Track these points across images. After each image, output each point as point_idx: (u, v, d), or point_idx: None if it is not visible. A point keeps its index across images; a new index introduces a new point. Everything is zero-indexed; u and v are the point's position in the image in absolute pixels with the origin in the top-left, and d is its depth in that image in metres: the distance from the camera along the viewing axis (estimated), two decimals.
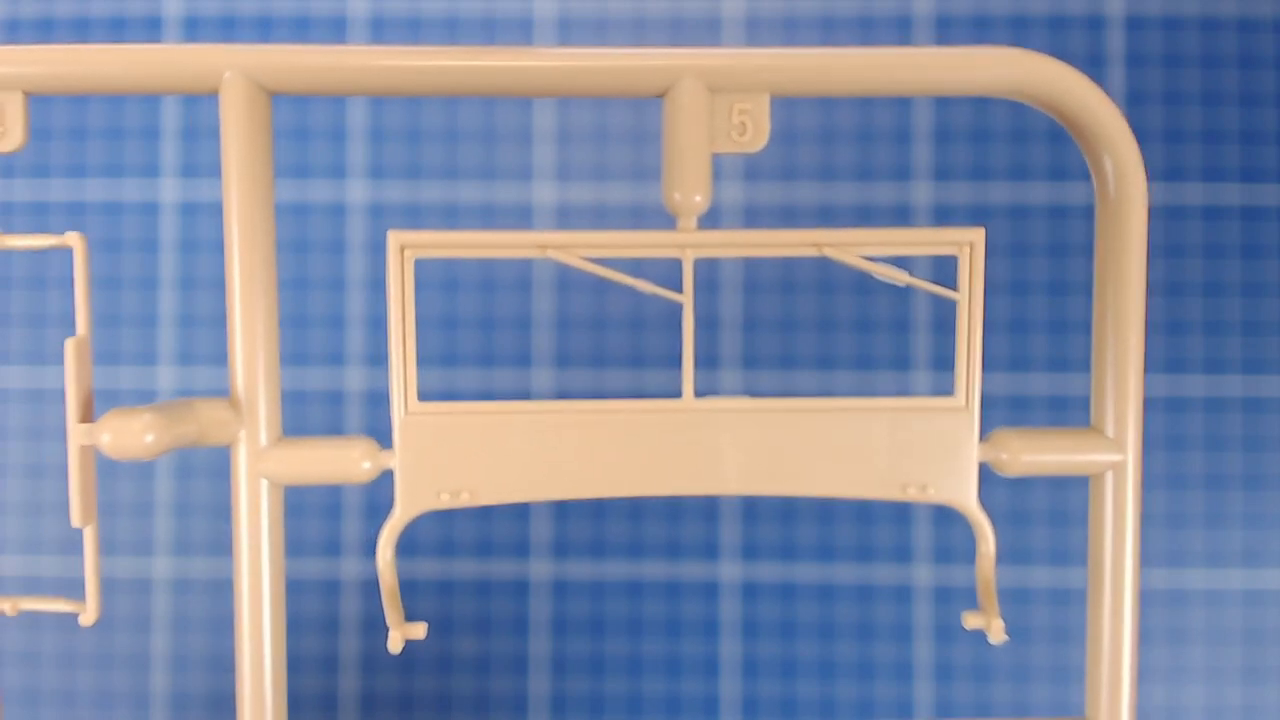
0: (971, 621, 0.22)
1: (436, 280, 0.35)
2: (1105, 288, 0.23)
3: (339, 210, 0.35)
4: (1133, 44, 0.35)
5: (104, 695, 0.35)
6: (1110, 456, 0.22)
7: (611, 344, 0.35)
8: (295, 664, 0.35)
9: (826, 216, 0.35)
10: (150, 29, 0.35)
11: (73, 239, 0.22)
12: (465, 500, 0.22)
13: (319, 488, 0.35)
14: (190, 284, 0.35)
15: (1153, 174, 0.36)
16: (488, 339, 0.35)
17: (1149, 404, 0.35)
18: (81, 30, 0.35)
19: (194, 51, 0.22)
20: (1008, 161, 0.35)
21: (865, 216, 0.35)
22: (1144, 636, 0.35)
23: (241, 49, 0.22)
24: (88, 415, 0.22)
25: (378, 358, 0.35)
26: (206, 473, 0.36)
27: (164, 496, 0.35)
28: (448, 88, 0.22)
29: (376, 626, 0.35)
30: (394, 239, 0.23)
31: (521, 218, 0.35)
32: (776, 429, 0.22)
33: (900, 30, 0.35)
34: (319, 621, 0.35)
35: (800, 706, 0.35)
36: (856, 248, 0.22)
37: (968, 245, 0.23)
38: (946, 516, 0.33)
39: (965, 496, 0.22)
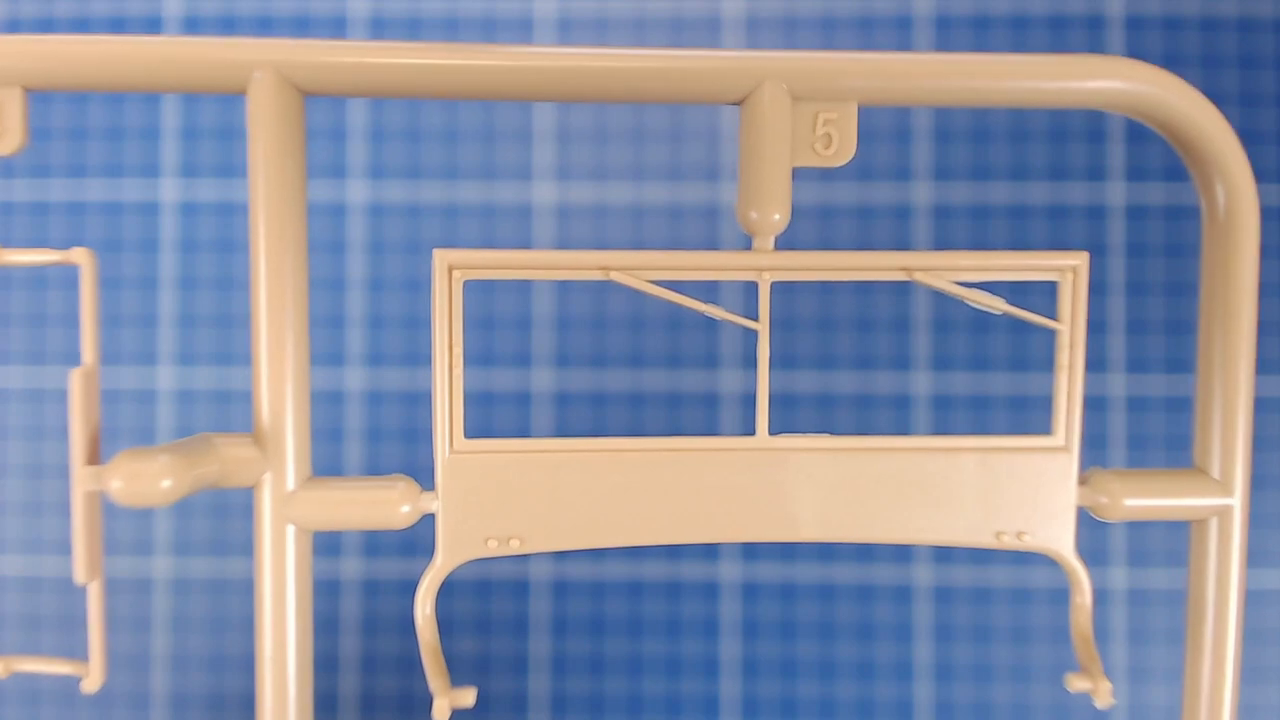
0: (1077, 684, 0.21)
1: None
2: (1212, 319, 0.21)
3: (339, 210, 0.35)
4: (1133, 44, 0.35)
5: (104, 695, 0.35)
6: (1217, 501, 0.21)
7: (611, 344, 0.35)
8: None
9: (825, 216, 0.35)
10: (150, 29, 0.35)
11: (80, 255, 0.19)
12: (515, 548, 0.20)
13: None
14: (190, 284, 0.35)
15: (1153, 174, 0.36)
16: (488, 339, 0.35)
17: (1148, 404, 0.35)
18: (81, 30, 0.35)
19: (219, 46, 0.19)
20: (1008, 161, 0.35)
21: (864, 215, 0.35)
22: (1143, 637, 0.35)
23: (273, 44, 0.19)
24: (94, 456, 0.19)
25: (378, 358, 0.35)
26: None
27: None
28: (501, 91, 0.20)
29: (376, 626, 0.35)
30: (441, 259, 0.20)
31: (521, 217, 0.35)
32: (858, 470, 0.21)
33: (900, 30, 0.35)
34: (319, 621, 0.35)
35: (800, 706, 0.35)
36: (948, 272, 0.21)
37: (1070, 271, 0.21)
38: None
39: (1062, 544, 0.21)
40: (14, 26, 0.36)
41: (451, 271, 0.20)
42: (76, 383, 0.19)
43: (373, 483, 0.21)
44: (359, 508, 0.20)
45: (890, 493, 0.21)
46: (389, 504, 0.20)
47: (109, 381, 0.35)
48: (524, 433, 0.35)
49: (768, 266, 0.20)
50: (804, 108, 0.20)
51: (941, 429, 0.35)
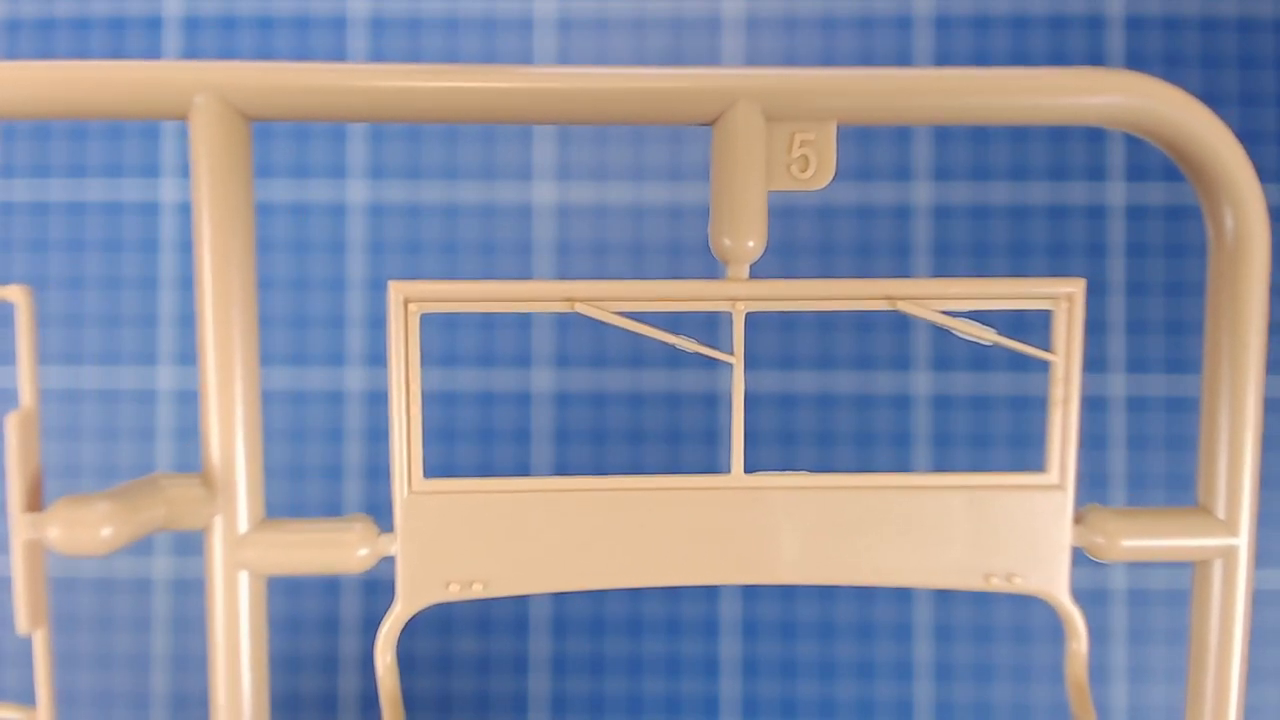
0: None
1: (435, 277, 0.35)
2: (1218, 348, 0.20)
3: (339, 210, 0.35)
4: (1133, 44, 0.35)
5: (104, 695, 0.35)
6: (1221, 541, 0.20)
7: (611, 344, 0.35)
8: (295, 664, 0.35)
9: (824, 216, 0.35)
10: (150, 29, 0.35)
11: (14, 293, 0.18)
12: (478, 591, 0.20)
13: (315, 480, 0.35)
14: (190, 284, 0.35)
15: (1153, 174, 0.36)
16: (488, 338, 0.35)
17: (1148, 404, 0.35)
18: (81, 30, 0.35)
19: (156, 70, 0.19)
20: (1008, 161, 0.35)
21: (865, 215, 0.35)
22: (1142, 636, 0.35)
23: (214, 67, 0.18)
24: (35, 503, 0.18)
25: (378, 358, 0.35)
26: None
27: None
28: (459, 114, 0.19)
29: (376, 626, 0.35)
30: (396, 291, 0.19)
31: (521, 217, 0.35)
32: (838, 509, 0.20)
33: (900, 30, 0.35)
34: (319, 621, 0.35)
35: (800, 706, 0.35)
36: (934, 302, 0.19)
37: (1065, 299, 0.20)
38: None
39: (1056, 587, 0.20)
40: (14, 26, 0.36)
41: (407, 305, 0.19)
42: (13, 427, 0.17)
43: (329, 525, 0.20)
44: (314, 551, 0.19)
45: (873, 533, 0.20)
46: (346, 547, 0.19)
47: (109, 382, 0.35)
48: (524, 434, 0.35)
49: (742, 297, 0.19)
50: (779, 128, 0.19)
51: (941, 429, 0.35)
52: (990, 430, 0.35)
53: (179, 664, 0.35)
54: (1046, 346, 0.20)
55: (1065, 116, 0.19)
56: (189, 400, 0.35)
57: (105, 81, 0.18)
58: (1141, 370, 0.35)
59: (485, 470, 0.35)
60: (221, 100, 0.18)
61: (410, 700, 0.36)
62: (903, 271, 0.35)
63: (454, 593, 0.20)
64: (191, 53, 0.36)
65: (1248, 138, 0.36)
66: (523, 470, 0.35)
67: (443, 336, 0.35)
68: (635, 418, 0.35)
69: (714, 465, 0.35)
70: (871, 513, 0.20)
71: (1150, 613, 0.35)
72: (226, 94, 0.18)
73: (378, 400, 0.35)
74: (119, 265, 0.35)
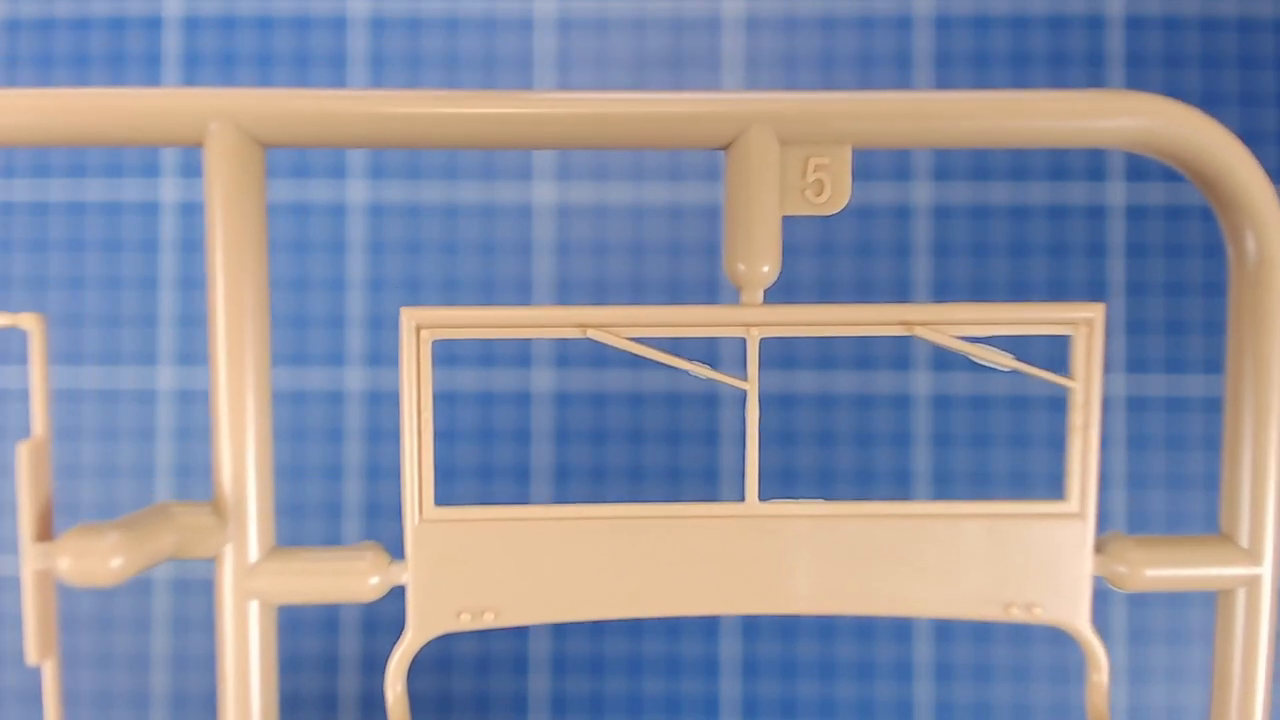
0: None
1: (436, 280, 0.35)
2: (1241, 373, 0.19)
3: (339, 210, 0.35)
4: (1133, 44, 0.35)
5: (104, 695, 0.35)
6: (1245, 570, 0.20)
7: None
8: (295, 664, 0.35)
9: (824, 216, 0.35)
10: (150, 29, 0.35)
11: (28, 320, 0.18)
12: (489, 621, 0.20)
13: (315, 481, 0.35)
14: (190, 284, 0.35)
15: (1153, 174, 0.36)
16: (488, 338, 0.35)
17: (1147, 403, 0.35)
18: (81, 30, 0.35)
19: (171, 97, 0.19)
20: (1008, 161, 0.35)
21: (865, 215, 0.35)
22: (1144, 637, 0.35)
23: (230, 94, 0.19)
24: (46, 532, 0.18)
25: (378, 358, 0.35)
26: (207, 471, 0.36)
27: (163, 496, 0.35)
28: (471, 139, 0.19)
29: (376, 627, 0.35)
30: (408, 317, 0.19)
31: (521, 217, 0.35)
32: (856, 538, 0.19)
33: (900, 30, 0.35)
34: (319, 622, 0.35)
35: (800, 706, 0.35)
36: (951, 327, 0.19)
37: (1084, 324, 0.19)
38: None
39: (1078, 617, 0.20)
40: (14, 26, 0.36)
41: (419, 331, 0.19)
42: (25, 456, 0.17)
43: (340, 553, 0.20)
44: (326, 580, 0.19)
45: (891, 563, 0.19)
46: (357, 575, 0.19)
47: (109, 381, 0.35)
48: (524, 434, 0.35)
49: (756, 322, 0.19)
50: (793, 153, 0.19)
51: (941, 430, 0.35)
52: (990, 430, 0.35)
53: (179, 664, 0.35)
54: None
55: (1084, 139, 0.19)
56: (189, 400, 0.35)
57: (120, 109, 0.18)
58: (1141, 370, 0.35)
59: (485, 471, 0.35)
60: (236, 127, 0.18)
61: (410, 700, 0.35)
62: (903, 271, 0.35)
63: (465, 622, 0.20)
64: (191, 52, 0.36)
65: (1248, 138, 0.36)
66: (523, 471, 0.35)
67: None
68: (635, 418, 0.35)
69: (714, 468, 0.35)
70: (889, 542, 0.20)
71: (1150, 613, 0.35)
72: (241, 121, 0.18)
73: (378, 400, 0.35)
74: (119, 265, 0.35)
